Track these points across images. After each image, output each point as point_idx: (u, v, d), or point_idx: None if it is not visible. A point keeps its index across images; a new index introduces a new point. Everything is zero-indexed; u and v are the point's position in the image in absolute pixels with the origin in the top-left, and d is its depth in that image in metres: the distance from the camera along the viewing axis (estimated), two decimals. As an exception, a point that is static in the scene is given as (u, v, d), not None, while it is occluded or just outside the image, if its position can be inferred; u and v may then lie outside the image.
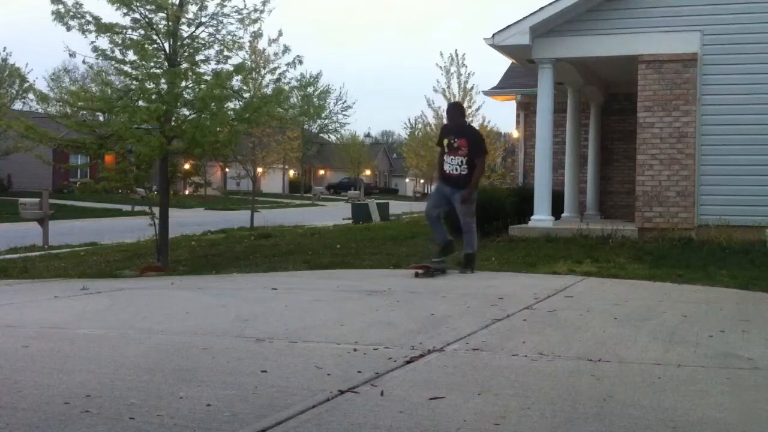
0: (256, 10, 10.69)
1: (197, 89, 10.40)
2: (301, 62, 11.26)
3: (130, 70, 10.42)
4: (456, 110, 9.10)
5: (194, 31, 10.64)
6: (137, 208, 29.24)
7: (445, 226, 8.83)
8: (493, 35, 12.23)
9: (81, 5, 10.06)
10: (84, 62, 12.09)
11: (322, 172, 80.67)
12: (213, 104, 10.28)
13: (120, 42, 10.17)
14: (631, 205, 13.25)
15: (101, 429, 2.96)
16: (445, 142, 8.65)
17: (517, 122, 18.33)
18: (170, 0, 10.31)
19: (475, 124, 31.86)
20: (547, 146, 12.42)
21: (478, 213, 12.20)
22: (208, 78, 10.41)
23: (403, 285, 7.38)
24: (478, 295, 6.64)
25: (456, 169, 8.48)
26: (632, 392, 3.48)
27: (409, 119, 59.92)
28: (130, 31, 10.27)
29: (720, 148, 11.64)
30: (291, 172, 66.95)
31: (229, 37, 10.71)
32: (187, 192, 51.20)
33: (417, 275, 8.00)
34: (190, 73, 10.39)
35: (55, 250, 14.74)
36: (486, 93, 19.59)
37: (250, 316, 5.63)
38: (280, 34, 13.60)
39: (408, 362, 4.04)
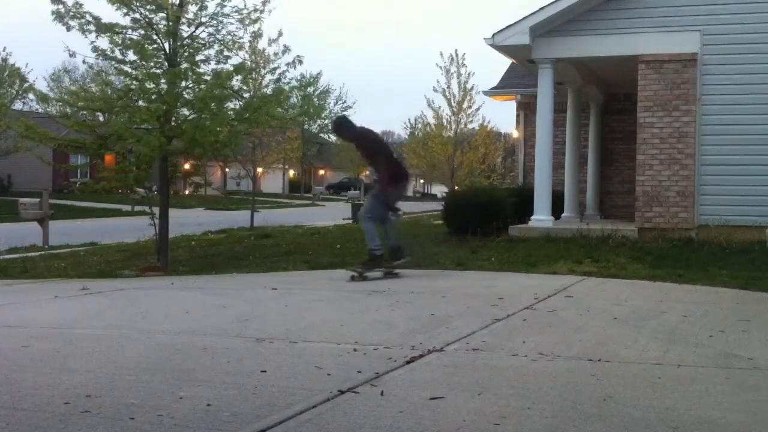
0: (256, 10, 10.71)
1: (197, 89, 10.41)
2: (301, 62, 11.28)
3: (130, 70, 10.43)
4: (338, 128, 8.68)
5: (194, 31, 10.65)
6: (137, 208, 29.22)
7: (395, 234, 8.46)
8: (493, 35, 12.23)
9: (81, 5, 10.07)
10: (84, 62, 12.12)
11: (322, 172, 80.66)
12: (213, 104, 10.28)
13: (120, 42, 10.17)
14: (631, 205, 13.24)
15: (101, 429, 2.96)
16: None
17: (517, 122, 18.34)
18: (170, 0, 10.31)
19: (475, 124, 31.72)
20: (547, 146, 12.42)
21: (478, 213, 12.28)
22: (208, 78, 10.42)
23: (403, 285, 7.39)
24: (478, 295, 6.64)
25: (373, 180, 8.38)
26: (632, 392, 3.48)
27: (409, 119, 59.93)
28: (130, 31, 10.28)
29: (720, 148, 11.64)
30: (291, 172, 66.91)
31: (229, 37, 10.73)
32: (187, 192, 51.23)
33: (353, 278, 7.81)
34: (190, 73, 10.39)
35: (55, 250, 14.74)
36: (486, 93, 19.61)
37: (250, 316, 5.63)
38: (280, 34, 13.65)
39: (408, 362, 4.04)
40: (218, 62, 10.77)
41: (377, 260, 8.12)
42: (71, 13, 10.03)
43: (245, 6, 10.70)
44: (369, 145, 8.45)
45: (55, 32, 62.00)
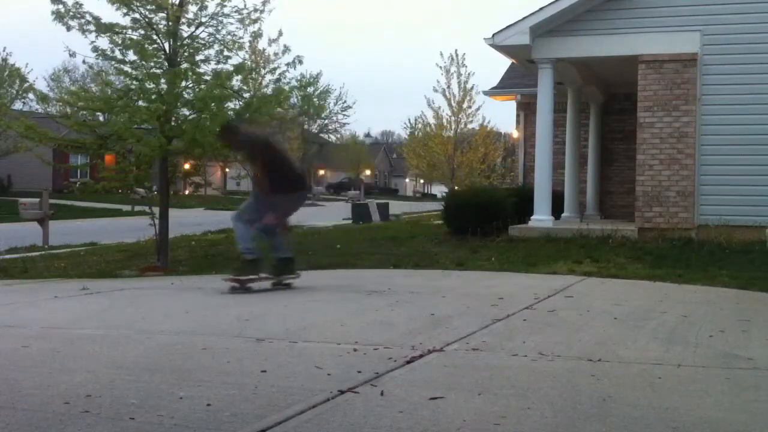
0: (256, 10, 10.69)
1: (197, 89, 10.39)
2: (301, 62, 11.26)
3: (130, 70, 10.41)
4: (224, 136, 8.08)
5: (194, 31, 10.64)
6: (137, 208, 29.21)
7: (286, 245, 7.54)
8: (493, 35, 12.23)
9: (81, 5, 10.05)
10: (84, 62, 12.07)
11: (322, 172, 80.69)
12: (213, 104, 10.26)
13: (120, 42, 10.16)
14: (631, 205, 13.25)
15: (101, 429, 2.96)
16: None
17: (517, 122, 18.34)
18: (170, 0, 10.31)
19: (475, 124, 31.72)
20: (547, 146, 12.43)
21: (478, 213, 12.28)
22: (208, 78, 10.40)
23: (403, 285, 7.39)
24: (478, 295, 6.64)
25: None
26: (632, 392, 3.48)
27: (409, 119, 60.20)
28: (130, 31, 10.26)
29: (720, 148, 11.65)
30: (291, 172, 66.83)
31: (229, 37, 10.70)
32: (187, 192, 51.23)
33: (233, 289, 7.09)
34: (190, 73, 10.37)
35: (55, 250, 14.73)
36: (486, 93, 19.62)
37: (250, 316, 5.63)
38: (280, 34, 13.57)
39: (408, 362, 4.04)
40: (218, 62, 10.76)
41: (250, 265, 7.16)
42: (71, 13, 10.01)
43: (245, 6, 10.69)
44: (245, 148, 7.70)
45: (55, 32, 61.99)
